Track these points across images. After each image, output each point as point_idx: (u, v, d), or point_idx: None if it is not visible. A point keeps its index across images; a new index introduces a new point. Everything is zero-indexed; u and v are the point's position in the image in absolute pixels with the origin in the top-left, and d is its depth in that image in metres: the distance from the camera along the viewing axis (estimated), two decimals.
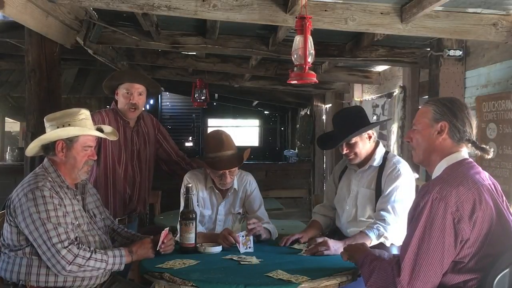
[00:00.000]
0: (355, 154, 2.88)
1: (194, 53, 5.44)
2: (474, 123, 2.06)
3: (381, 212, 2.73)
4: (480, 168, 2.05)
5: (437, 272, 1.88)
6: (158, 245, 2.51)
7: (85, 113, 2.46)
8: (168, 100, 14.49)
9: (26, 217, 2.25)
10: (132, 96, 3.26)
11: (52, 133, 2.39)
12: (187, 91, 8.17)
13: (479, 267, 1.89)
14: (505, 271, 1.84)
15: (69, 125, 2.39)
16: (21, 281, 2.30)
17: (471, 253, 1.88)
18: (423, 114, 2.10)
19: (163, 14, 3.04)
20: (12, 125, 8.87)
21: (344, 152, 2.90)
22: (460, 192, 1.88)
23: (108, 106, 3.69)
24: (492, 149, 2.09)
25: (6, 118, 8.17)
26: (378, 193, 2.84)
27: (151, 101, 11.03)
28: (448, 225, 1.85)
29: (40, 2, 2.97)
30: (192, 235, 2.64)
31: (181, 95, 12.52)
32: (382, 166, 2.88)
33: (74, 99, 7.08)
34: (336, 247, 2.61)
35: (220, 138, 3.01)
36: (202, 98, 6.52)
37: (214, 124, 15.38)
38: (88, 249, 2.29)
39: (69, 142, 2.40)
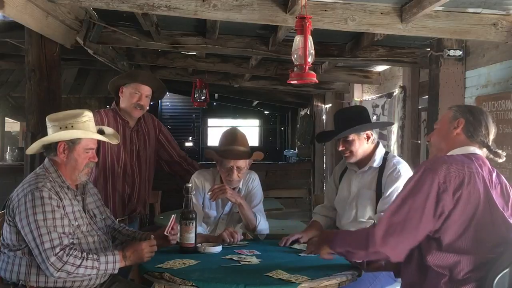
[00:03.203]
0: (351, 152, 2.88)
1: (194, 53, 5.44)
2: (491, 128, 2.13)
3: (382, 213, 2.73)
4: (488, 164, 2.08)
5: (411, 234, 1.95)
6: (167, 230, 2.56)
7: (88, 115, 2.46)
8: (168, 100, 14.50)
9: (23, 218, 2.24)
10: (141, 97, 3.28)
11: (54, 135, 2.39)
12: (187, 91, 8.16)
13: (467, 250, 1.92)
14: (505, 271, 1.85)
15: (72, 127, 2.39)
16: (21, 281, 2.30)
17: (456, 232, 1.93)
18: (444, 115, 2.23)
19: (163, 14, 3.04)
20: (12, 125, 8.87)
21: (340, 148, 2.90)
22: (451, 168, 1.96)
23: (108, 106, 3.70)
24: (504, 153, 2.15)
25: (6, 118, 8.16)
26: (379, 194, 2.84)
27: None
28: (433, 193, 1.93)
29: (40, 2, 2.96)
30: (192, 235, 2.63)
31: (181, 95, 12.51)
32: (382, 167, 2.88)
33: (74, 99, 7.07)
34: None
35: (235, 133, 3.07)
36: (202, 98, 6.52)
37: (214, 124, 15.39)
38: (79, 255, 2.25)
39: (71, 144, 2.39)
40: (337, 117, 3.03)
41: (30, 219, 2.23)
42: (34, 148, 2.46)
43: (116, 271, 2.37)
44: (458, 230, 1.93)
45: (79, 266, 2.23)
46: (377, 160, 2.90)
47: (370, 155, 2.91)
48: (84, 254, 2.28)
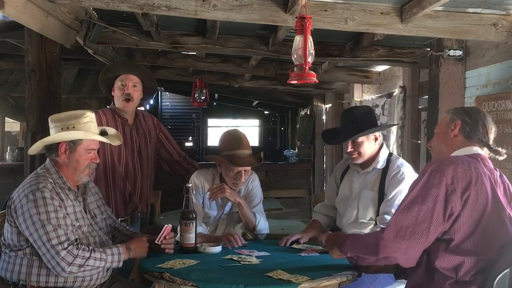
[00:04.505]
0: (359, 153, 2.87)
1: (194, 53, 5.44)
2: (491, 127, 2.14)
3: (385, 216, 2.72)
4: (491, 165, 2.09)
5: (422, 238, 1.94)
6: (158, 238, 2.53)
7: (90, 116, 2.46)
8: (168, 100, 14.52)
9: (26, 218, 2.24)
10: (127, 87, 3.26)
11: (56, 136, 2.39)
12: (187, 91, 8.17)
13: (474, 251, 1.92)
14: (505, 272, 1.85)
15: (73, 127, 2.39)
16: (21, 281, 2.30)
17: (466, 233, 1.92)
18: (443, 119, 2.24)
19: (163, 14, 3.04)
20: (12, 125, 8.87)
21: (349, 150, 2.88)
22: (458, 169, 1.96)
23: (108, 106, 3.70)
24: (504, 151, 2.15)
25: (6, 118, 8.16)
26: (381, 195, 2.83)
27: (151, 101, 11.04)
28: (441, 195, 1.93)
29: (40, 2, 2.97)
30: (192, 235, 2.63)
31: (181, 95, 12.53)
32: (385, 169, 2.87)
33: (74, 99, 7.07)
34: None
35: (239, 136, 3.04)
36: (202, 98, 6.52)
37: (214, 124, 15.41)
38: (87, 248, 2.29)
39: (73, 144, 2.39)
40: (345, 117, 3.00)
41: (34, 218, 2.23)
42: (35, 148, 2.46)
43: (120, 264, 2.38)
44: (467, 231, 1.93)
45: (88, 258, 2.26)
46: (381, 162, 2.89)
47: (375, 156, 2.90)
48: (91, 247, 2.32)
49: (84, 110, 2.50)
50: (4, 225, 2.39)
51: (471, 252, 1.92)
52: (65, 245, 2.23)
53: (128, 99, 3.27)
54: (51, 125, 2.44)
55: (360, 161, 2.90)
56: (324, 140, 3.29)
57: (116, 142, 2.67)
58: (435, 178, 1.95)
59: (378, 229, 2.23)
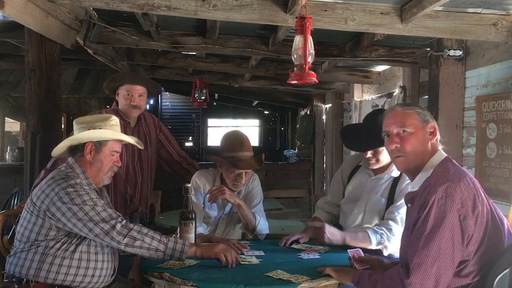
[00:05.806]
0: (377, 160, 2.82)
1: (194, 53, 5.44)
2: None
3: (389, 222, 2.70)
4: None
5: (448, 271, 1.86)
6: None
7: (115, 120, 2.49)
8: (168, 100, 14.51)
9: (71, 207, 2.23)
10: (133, 98, 3.27)
11: (84, 134, 2.40)
12: (187, 91, 8.17)
13: (478, 267, 1.90)
14: (505, 272, 1.84)
15: (100, 128, 2.41)
16: (26, 277, 2.28)
17: (473, 250, 1.89)
18: (410, 116, 2.07)
19: (163, 14, 3.04)
20: (12, 125, 8.87)
21: (368, 156, 2.83)
22: (462, 189, 1.88)
23: (108, 106, 3.69)
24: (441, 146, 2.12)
25: (6, 118, 8.17)
26: (390, 203, 2.79)
27: (151, 101, 11.04)
28: (456, 223, 1.85)
29: (40, 2, 2.97)
30: (192, 235, 2.63)
31: (181, 95, 12.53)
32: (398, 177, 2.83)
33: (74, 99, 7.08)
34: (331, 237, 2.64)
35: (241, 138, 3.04)
36: (202, 98, 6.52)
37: (214, 124, 15.40)
38: (144, 227, 2.31)
39: (99, 145, 2.41)
40: (370, 123, 2.89)
41: (81, 206, 2.23)
42: (61, 148, 2.46)
43: (182, 256, 2.32)
44: (475, 248, 1.89)
45: (145, 235, 2.26)
46: (395, 170, 2.86)
47: (390, 163, 2.85)
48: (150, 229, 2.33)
49: (109, 114, 2.54)
50: (27, 218, 2.33)
51: (477, 271, 1.90)
52: (119, 219, 2.26)
53: (135, 109, 3.30)
54: (76, 127, 2.45)
55: (376, 166, 2.86)
56: (345, 143, 3.18)
57: (140, 146, 2.71)
58: (445, 206, 1.86)
59: (392, 262, 2.23)
